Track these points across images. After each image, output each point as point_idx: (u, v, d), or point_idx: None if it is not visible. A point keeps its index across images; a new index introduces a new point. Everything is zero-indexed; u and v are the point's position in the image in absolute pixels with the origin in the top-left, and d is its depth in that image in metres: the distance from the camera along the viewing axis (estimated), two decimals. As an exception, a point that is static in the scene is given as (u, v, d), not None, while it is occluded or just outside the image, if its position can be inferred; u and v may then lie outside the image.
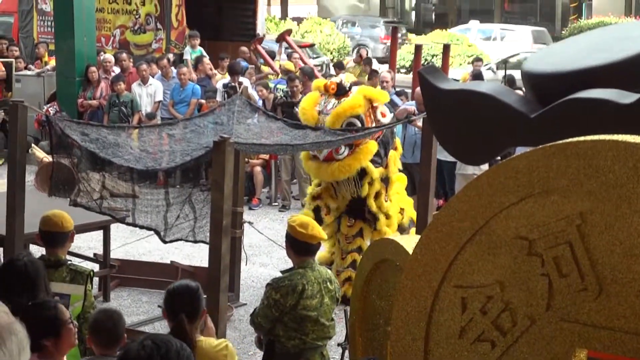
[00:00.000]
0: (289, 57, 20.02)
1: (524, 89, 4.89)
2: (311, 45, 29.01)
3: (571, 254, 3.37)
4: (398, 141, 10.43)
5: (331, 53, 33.72)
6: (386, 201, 9.89)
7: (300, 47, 24.73)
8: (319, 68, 22.57)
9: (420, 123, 10.55)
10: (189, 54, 19.02)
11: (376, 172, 9.77)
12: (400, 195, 10.20)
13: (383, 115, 9.76)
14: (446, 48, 19.25)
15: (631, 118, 3.85)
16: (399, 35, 25.96)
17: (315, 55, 26.21)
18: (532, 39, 34.66)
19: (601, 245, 3.32)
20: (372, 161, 9.72)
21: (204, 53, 18.95)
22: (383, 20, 39.91)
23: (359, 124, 9.52)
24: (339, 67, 19.05)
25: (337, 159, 9.54)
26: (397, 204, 10.05)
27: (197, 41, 19.30)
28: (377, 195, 9.86)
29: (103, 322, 5.42)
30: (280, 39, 20.99)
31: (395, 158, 10.14)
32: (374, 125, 9.59)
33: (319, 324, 6.52)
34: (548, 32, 36.39)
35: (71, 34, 16.79)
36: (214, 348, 5.34)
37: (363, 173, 9.75)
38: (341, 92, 9.73)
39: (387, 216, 9.90)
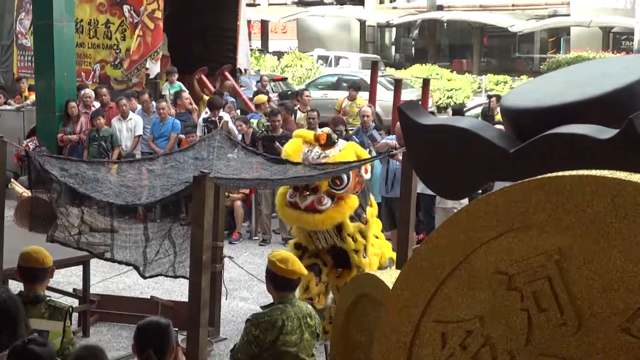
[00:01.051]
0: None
1: (503, 124, 4.91)
2: (283, 79, 29.17)
3: (550, 288, 3.38)
4: (372, 198, 10.39)
5: (312, 88, 33.81)
6: (364, 257, 9.82)
7: (274, 80, 24.79)
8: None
9: (400, 157, 10.55)
10: (167, 90, 19.04)
11: (352, 227, 9.69)
12: (379, 238, 10.20)
13: (366, 171, 9.73)
14: (426, 82, 19.31)
15: (609, 153, 3.87)
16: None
17: (288, 90, 26.28)
18: (361, 64, 37.46)
19: (580, 280, 3.32)
20: (350, 217, 9.68)
21: (183, 88, 18.98)
22: (360, 56, 40.03)
23: (346, 177, 9.46)
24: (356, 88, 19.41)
25: (320, 210, 9.42)
26: (376, 247, 10.02)
27: (176, 76, 19.34)
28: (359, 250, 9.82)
29: (86, 358, 5.40)
30: (220, 74, 21.10)
31: (373, 214, 10.11)
32: (357, 185, 9.58)
33: (299, 359, 6.50)
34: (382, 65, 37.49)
35: (51, 68, 16.77)
36: None
37: (339, 227, 9.68)
38: (329, 143, 9.67)
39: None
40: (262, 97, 18.67)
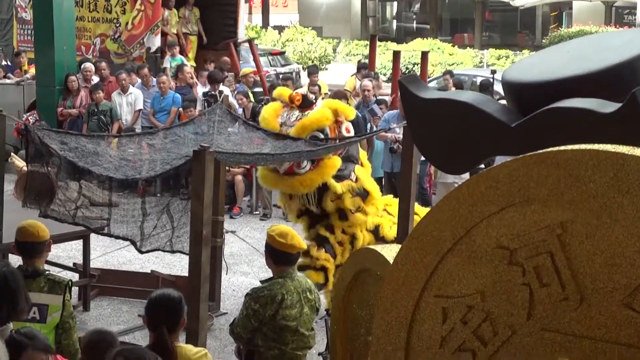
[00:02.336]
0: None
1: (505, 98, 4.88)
2: (281, 53, 29.02)
3: (552, 263, 3.36)
4: (364, 156, 9.85)
5: (312, 62, 33.73)
6: (366, 214, 9.35)
7: (271, 54, 24.72)
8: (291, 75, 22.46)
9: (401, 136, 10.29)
10: (168, 62, 18.97)
11: (339, 187, 9.14)
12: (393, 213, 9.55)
13: (347, 131, 9.24)
14: (424, 55, 19.23)
15: (611, 127, 3.84)
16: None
17: (285, 63, 26.20)
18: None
19: (582, 255, 3.30)
20: (336, 176, 9.14)
21: (185, 62, 18.92)
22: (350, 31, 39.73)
23: (323, 137, 9.02)
24: (313, 72, 18.76)
25: (298, 173, 8.97)
26: (389, 221, 9.46)
27: (177, 49, 19.26)
28: (344, 215, 9.35)
29: (97, 342, 5.43)
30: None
31: (364, 172, 9.54)
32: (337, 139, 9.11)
33: (299, 333, 6.50)
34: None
35: (51, 42, 16.71)
36: (192, 355, 5.33)
37: (324, 189, 9.15)
38: (306, 104, 9.16)
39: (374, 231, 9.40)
40: (248, 69, 18.57)
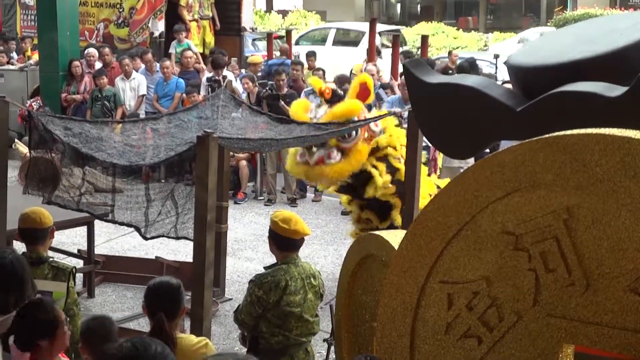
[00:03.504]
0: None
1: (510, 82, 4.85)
2: (281, 37, 28.95)
3: (558, 248, 3.34)
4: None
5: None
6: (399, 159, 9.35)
7: (273, 38, 24.67)
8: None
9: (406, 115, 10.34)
10: (174, 48, 18.93)
11: (379, 180, 9.29)
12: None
13: (376, 124, 9.36)
14: (424, 39, 19.18)
15: (618, 111, 3.82)
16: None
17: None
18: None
19: (588, 240, 3.29)
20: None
21: (192, 47, 18.87)
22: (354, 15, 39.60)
23: (354, 132, 9.13)
24: (313, 55, 18.69)
25: (328, 164, 9.11)
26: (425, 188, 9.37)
27: (183, 34, 19.22)
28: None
29: (94, 329, 5.42)
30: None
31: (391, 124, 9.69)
32: (366, 133, 9.27)
33: (303, 320, 6.48)
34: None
35: (54, 28, 16.67)
36: (193, 346, 5.31)
37: (366, 178, 9.36)
38: (335, 99, 9.30)
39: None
40: (257, 58, 18.51)
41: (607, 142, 3.19)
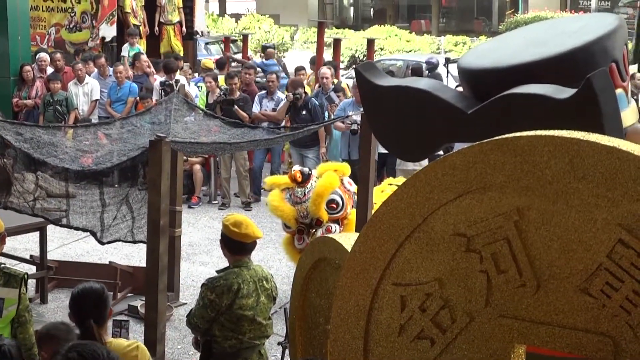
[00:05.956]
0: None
1: (461, 84, 4.88)
2: (234, 41, 29.00)
3: (509, 250, 3.36)
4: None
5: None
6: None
7: (222, 41, 24.64)
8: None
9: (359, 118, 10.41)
10: (126, 51, 18.84)
11: None
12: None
13: (350, 183, 9.65)
14: (370, 43, 19.31)
15: (567, 113, 3.85)
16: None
17: (237, 51, 26.17)
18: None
19: (539, 241, 3.31)
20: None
21: (142, 51, 18.79)
22: (308, 19, 39.73)
23: (339, 198, 9.43)
24: (302, 69, 18.75)
25: None
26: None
27: (136, 39, 19.14)
28: None
29: (49, 336, 5.40)
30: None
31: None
32: (350, 199, 9.50)
33: (256, 323, 6.48)
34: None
35: (5, 32, 16.51)
36: (123, 349, 5.28)
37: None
38: (306, 178, 9.55)
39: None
40: (210, 62, 18.50)
41: (556, 144, 3.22)
